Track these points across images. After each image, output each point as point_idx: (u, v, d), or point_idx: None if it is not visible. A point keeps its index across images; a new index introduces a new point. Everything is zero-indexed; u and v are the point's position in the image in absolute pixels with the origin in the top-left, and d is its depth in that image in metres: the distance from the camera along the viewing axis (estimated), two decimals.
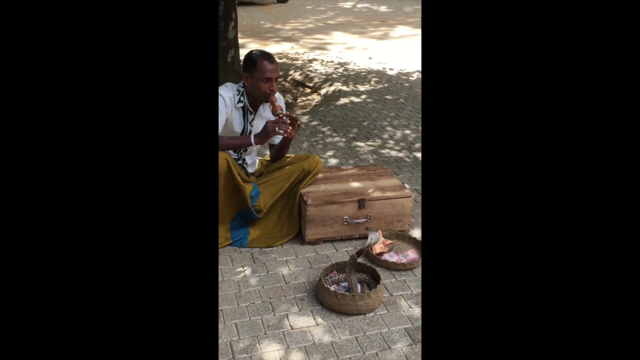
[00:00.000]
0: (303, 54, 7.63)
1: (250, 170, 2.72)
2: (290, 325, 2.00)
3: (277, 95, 2.54)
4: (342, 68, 6.71)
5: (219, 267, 2.36)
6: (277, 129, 2.40)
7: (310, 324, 2.01)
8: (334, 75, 6.25)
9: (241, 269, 2.37)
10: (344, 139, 4.06)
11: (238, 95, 2.51)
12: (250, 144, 2.47)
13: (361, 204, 2.54)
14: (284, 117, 2.42)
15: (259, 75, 2.43)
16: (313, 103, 5.49)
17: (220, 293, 2.18)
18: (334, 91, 5.59)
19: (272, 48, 7.82)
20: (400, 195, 2.61)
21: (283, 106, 2.56)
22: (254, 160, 2.76)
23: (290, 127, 2.41)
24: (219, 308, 2.08)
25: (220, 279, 2.29)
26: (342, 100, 5.15)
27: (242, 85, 2.54)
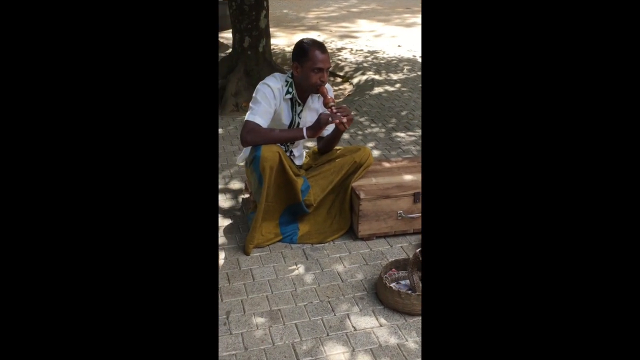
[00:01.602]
0: (331, 43, 7.50)
1: (297, 162, 2.62)
2: (353, 326, 1.91)
3: (327, 86, 2.44)
4: (372, 56, 6.58)
5: (272, 265, 2.29)
6: (330, 120, 2.31)
7: (373, 324, 1.93)
8: (365, 64, 6.13)
9: (294, 266, 2.29)
10: (383, 130, 3.95)
11: (286, 86, 2.42)
12: (303, 137, 2.38)
13: (416, 197, 2.44)
14: (337, 110, 2.33)
15: (309, 65, 2.34)
16: (346, 93, 5.38)
17: (275, 292, 2.11)
18: (366, 80, 5.47)
19: (299, 37, 7.71)
20: None
21: (333, 98, 2.46)
22: (301, 152, 2.67)
23: (345, 119, 2.31)
24: (277, 307, 2.01)
25: (274, 276, 2.21)
26: (377, 90, 5.04)
27: (290, 75, 2.45)
